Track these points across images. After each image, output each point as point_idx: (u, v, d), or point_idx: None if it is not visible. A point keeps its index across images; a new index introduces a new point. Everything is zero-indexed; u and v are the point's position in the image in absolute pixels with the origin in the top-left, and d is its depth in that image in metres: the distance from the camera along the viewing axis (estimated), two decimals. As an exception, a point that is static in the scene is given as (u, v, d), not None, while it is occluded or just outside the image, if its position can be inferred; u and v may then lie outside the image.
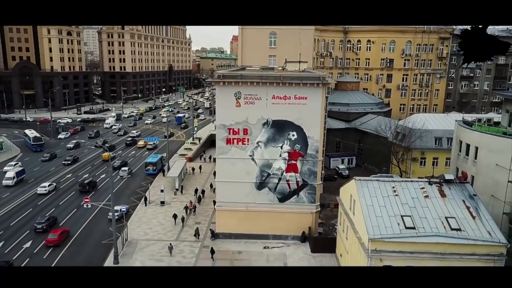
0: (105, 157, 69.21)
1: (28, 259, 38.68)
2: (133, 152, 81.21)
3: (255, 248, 40.97)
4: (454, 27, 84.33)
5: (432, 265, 27.66)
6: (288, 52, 55.42)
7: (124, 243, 41.17)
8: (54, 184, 58.60)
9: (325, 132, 51.48)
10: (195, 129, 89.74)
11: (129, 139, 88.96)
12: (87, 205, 42.66)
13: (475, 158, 37.31)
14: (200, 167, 68.04)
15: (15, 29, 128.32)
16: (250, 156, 41.32)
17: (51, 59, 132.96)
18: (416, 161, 56.69)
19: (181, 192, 57.18)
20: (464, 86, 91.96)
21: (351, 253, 33.34)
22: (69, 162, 69.98)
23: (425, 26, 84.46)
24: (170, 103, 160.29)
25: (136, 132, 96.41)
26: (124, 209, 46.90)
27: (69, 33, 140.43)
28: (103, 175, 64.20)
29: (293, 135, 40.68)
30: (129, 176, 64.20)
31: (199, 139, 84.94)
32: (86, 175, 63.92)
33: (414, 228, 28.26)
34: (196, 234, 42.72)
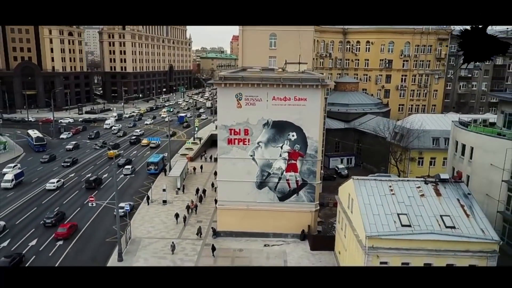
0: (111, 155, 72.42)
1: (34, 256, 39.69)
2: (135, 152, 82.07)
3: (256, 246, 41.90)
4: (453, 28, 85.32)
5: (427, 261, 28.69)
6: (288, 53, 56.37)
7: (128, 241, 42.09)
8: (62, 180, 61.23)
9: (324, 133, 52.39)
10: (196, 129, 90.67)
11: (133, 137, 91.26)
12: (92, 204, 43.61)
13: (471, 158, 38.20)
14: (201, 167, 69.00)
15: (17, 29, 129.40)
16: (251, 156, 42.24)
17: (52, 59, 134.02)
18: (414, 161, 57.59)
19: (183, 191, 58.13)
20: (462, 87, 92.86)
21: (349, 251, 34.27)
22: (68, 164, 69.76)
23: (424, 27, 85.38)
24: (170, 103, 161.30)
25: (140, 131, 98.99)
26: (128, 208, 47.82)
27: (70, 34, 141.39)
28: (106, 175, 65.17)
29: (293, 136, 41.60)
30: (133, 175, 65.30)
31: (200, 139, 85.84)
32: (89, 175, 64.77)
33: (410, 226, 29.20)
34: (199, 232, 43.64)
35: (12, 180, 58.33)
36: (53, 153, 76.19)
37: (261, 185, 42.77)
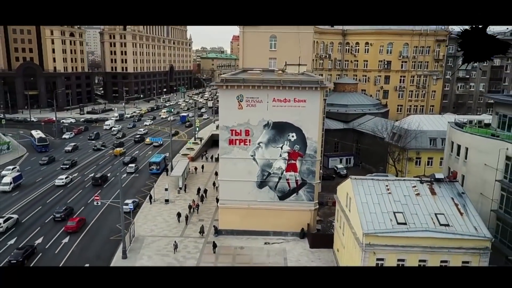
0: (116, 153, 77.58)
1: (41, 254, 40.75)
2: (137, 152, 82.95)
3: (256, 244, 42.95)
4: (451, 29, 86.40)
5: (422, 258, 29.75)
6: (288, 54, 57.23)
7: (131, 239, 43.12)
8: (70, 177, 63.52)
9: (324, 133, 53.39)
10: (197, 129, 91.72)
11: (138, 136, 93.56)
12: (97, 203, 44.71)
13: (466, 158, 39.26)
14: (202, 167, 70.06)
15: (19, 30, 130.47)
16: (252, 156, 43.29)
17: (54, 59, 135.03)
18: (412, 161, 58.60)
19: (185, 190, 59.16)
20: (460, 88, 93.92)
21: (347, 248, 35.32)
22: (68, 166, 69.23)
23: (422, 29, 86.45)
24: (171, 103, 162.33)
25: (144, 130, 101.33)
26: (132, 207, 48.89)
27: (71, 34, 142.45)
28: (109, 174, 66.22)
29: (293, 136, 42.65)
30: (137, 174, 66.57)
31: (201, 139, 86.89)
32: (93, 173, 65.84)
33: (405, 223, 30.25)
34: (201, 231, 44.67)
35: (11, 183, 58.14)
36: (52, 155, 75.78)
37: (261, 184, 43.82)
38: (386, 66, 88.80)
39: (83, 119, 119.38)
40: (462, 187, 35.39)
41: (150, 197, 54.84)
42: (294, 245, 42.87)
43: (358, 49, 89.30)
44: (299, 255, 41.09)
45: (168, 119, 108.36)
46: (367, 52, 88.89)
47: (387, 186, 33.58)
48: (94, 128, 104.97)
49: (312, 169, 43.48)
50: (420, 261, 29.91)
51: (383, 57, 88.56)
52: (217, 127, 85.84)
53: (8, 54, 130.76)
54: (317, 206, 45.86)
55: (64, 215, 48.29)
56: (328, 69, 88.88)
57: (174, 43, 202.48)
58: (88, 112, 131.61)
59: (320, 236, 44.10)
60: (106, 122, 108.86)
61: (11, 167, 66.95)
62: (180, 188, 59.18)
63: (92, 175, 64.39)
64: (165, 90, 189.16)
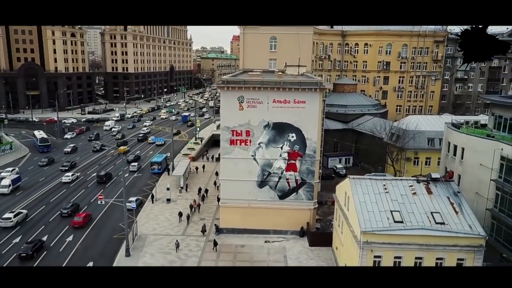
0: (121, 151, 79.99)
1: (46, 252, 41.60)
2: (139, 151, 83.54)
3: (257, 242, 43.78)
4: (449, 30, 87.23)
5: (418, 255, 30.59)
6: (288, 55, 58.02)
7: (134, 237, 43.95)
8: (77, 174, 65.57)
9: (323, 133, 54.19)
10: (198, 129, 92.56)
11: (141, 135, 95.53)
12: (101, 202, 45.58)
13: (462, 158, 40.08)
14: (203, 167, 70.90)
15: (20, 30, 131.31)
16: (252, 156, 44.12)
17: (55, 60, 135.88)
18: (410, 160, 59.44)
19: (186, 190, 59.98)
20: (459, 88, 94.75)
21: (345, 246, 36.16)
22: (67, 167, 68.69)
23: (421, 30, 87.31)
24: (171, 103, 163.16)
25: (147, 129, 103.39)
26: (134, 206, 49.63)
27: (72, 35, 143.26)
28: (112, 173, 67.20)
29: (293, 137, 43.49)
30: (139, 174, 67.54)
31: (201, 139, 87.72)
32: (94, 174, 66.70)
33: (402, 222, 31.08)
34: (203, 230, 45.49)
35: (9, 185, 57.72)
36: (52, 156, 75.50)
37: (262, 184, 44.66)
38: (385, 66, 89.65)
39: (84, 119, 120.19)
40: (458, 187, 36.22)
41: (152, 197, 55.67)
42: (294, 243, 43.70)
43: (358, 50, 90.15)
44: (298, 253, 41.91)
45: (170, 118, 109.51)
46: (366, 53, 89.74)
47: (384, 185, 34.40)
48: (95, 128, 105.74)
49: (312, 169, 44.31)
50: (416, 258, 30.78)
51: (382, 58, 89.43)
52: (218, 127, 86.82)
53: (9, 55, 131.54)
54: (317, 205, 46.69)
55: (71, 211, 50.20)
56: (328, 70, 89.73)
57: (174, 43, 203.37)
58: (89, 112, 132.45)
59: (319, 234, 44.93)
60: (106, 123, 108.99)
61: (10, 168, 66.71)
62: (182, 188, 60.01)
63: (96, 173, 66.05)
64: (165, 90, 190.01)
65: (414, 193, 33.63)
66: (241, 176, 44.22)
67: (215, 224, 46.85)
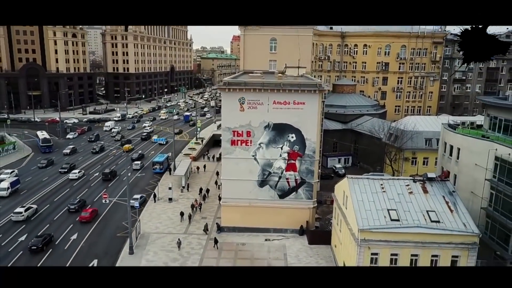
0: (126, 149, 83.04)
1: (51, 250, 42.57)
2: (141, 150, 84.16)
3: (257, 240, 44.74)
4: (447, 32, 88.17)
5: (413, 252, 31.54)
6: (287, 56, 58.93)
7: (137, 235, 44.90)
8: (83, 171, 68.30)
9: (323, 133, 55.14)
10: (198, 129, 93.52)
11: (144, 134, 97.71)
12: (105, 200, 46.55)
13: (458, 158, 41.01)
14: (204, 166, 71.85)
15: (22, 31, 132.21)
16: (253, 156, 45.09)
17: (56, 60, 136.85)
18: (408, 160, 60.38)
19: (187, 189, 60.94)
20: (457, 89, 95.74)
21: (344, 244, 37.12)
22: (66, 170, 68.22)
23: (419, 31, 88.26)
24: (172, 104, 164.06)
25: (150, 128, 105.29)
26: (138, 205, 50.62)
27: (74, 35, 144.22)
28: (116, 171, 68.67)
29: (292, 137, 44.45)
30: (143, 174, 68.61)
31: (202, 139, 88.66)
32: (96, 175, 67.71)
33: (398, 220, 32.05)
34: (205, 229, 46.43)
35: (8, 188, 57.05)
36: (51, 158, 75.02)
37: (262, 183, 45.63)
38: (384, 67, 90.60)
39: (86, 119, 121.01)
40: (454, 186, 37.19)
41: (155, 196, 56.62)
42: (293, 242, 44.64)
43: (357, 51, 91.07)
44: (298, 251, 42.85)
45: (173, 118, 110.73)
46: (366, 54, 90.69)
47: (381, 185, 35.36)
48: (96, 129, 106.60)
49: (311, 168, 45.26)
50: (412, 255, 31.73)
51: (381, 59, 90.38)
52: (218, 127, 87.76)
53: (11, 55, 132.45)
54: (316, 204, 47.64)
55: (78, 207, 52.10)
56: (327, 71, 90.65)
57: (174, 43, 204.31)
58: (90, 112, 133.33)
59: (319, 233, 45.89)
60: (106, 124, 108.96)
61: (9, 170, 66.37)
62: (183, 187, 60.96)
63: (101, 171, 68.04)
64: (166, 90, 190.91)
65: (411, 192, 34.59)
66: (242, 175, 45.18)
67: (216, 223, 47.82)
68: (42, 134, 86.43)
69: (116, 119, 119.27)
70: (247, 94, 43.75)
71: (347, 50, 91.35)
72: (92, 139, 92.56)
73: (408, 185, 35.37)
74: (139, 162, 72.23)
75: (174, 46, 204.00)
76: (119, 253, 41.81)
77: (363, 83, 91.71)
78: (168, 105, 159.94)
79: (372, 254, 31.82)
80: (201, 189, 59.69)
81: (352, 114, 77.31)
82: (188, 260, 40.58)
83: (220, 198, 50.26)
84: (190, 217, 50.08)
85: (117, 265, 39.32)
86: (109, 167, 70.91)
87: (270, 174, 45.45)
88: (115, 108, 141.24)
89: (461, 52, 3.90)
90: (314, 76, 72.93)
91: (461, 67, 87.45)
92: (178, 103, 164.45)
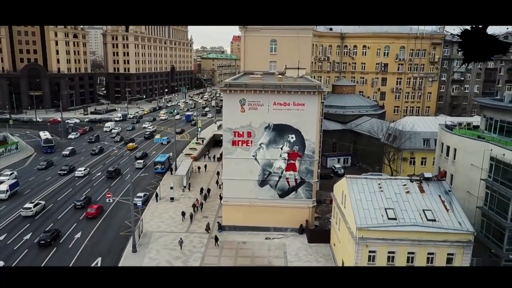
0: (129, 147, 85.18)
1: (56, 248, 43.40)
2: (143, 150, 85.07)
3: (258, 239, 45.57)
4: (446, 33, 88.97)
5: (410, 250, 32.39)
6: (287, 57, 59.69)
7: (140, 234, 45.73)
8: (88, 169, 70.09)
9: (322, 134, 55.95)
10: (199, 129, 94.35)
11: (147, 133, 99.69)
12: (108, 200, 47.39)
13: (454, 158, 41.83)
14: (205, 166, 72.68)
15: (23, 31, 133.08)
16: (253, 156, 45.94)
17: (58, 61, 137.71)
18: (406, 160, 61.21)
19: (189, 189, 61.79)
20: (455, 89, 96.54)
21: (342, 242, 37.96)
22: (65, 172, 67.89)
23: (418, 32, 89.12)
24: (172, 104, 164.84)
25: (152, 128, 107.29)
26: (140, 204, 51.35)
27: (75, 36, 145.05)
28: (120, 169, 69.78)
29: (292, 138, 45.30)
30: (146, 173, 69.46)
31: (203, 139, 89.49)
32: (99, 174, 68.56)
33: (395, 219, 32.90)
34: (207, 228, 47.26)
35: (7, 190, 56.36)
36: (51, 160, 74.68)
37: (262, 183, 46.48)
38: (383, 68, 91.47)
39: (87, 119, 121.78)
40: (450, 186, 38.03)
41: (156, 195, 57.45)
42: (293, 240, 45.48)
43: (356, 52, 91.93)
44: (298, 249, 43.68)
45: (175, 117, 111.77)
46: (365, 54, 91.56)
47: (379, 184, 36.20)
48: (98, 129, 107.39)
49: (311, 168, 46.10)
50: (408, 253, 32.59)
51: (380, 60, 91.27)
52: (219, 127, 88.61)
53: (13, 55, 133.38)
54: (315, 204, 48.49)
55: (84, 203, 53.66)
56: (327, 72, 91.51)
57: (175, 43, 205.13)
58: (91, 113, 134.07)
59: (318, 231, 46.72)
60: (106, 124, 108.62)
61: (8, 172, 66.08)
62: (185, 187, 61.80)
63: (106, 169, 69.57)
64: (166, 90, 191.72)
65: (408, 192, 35.43)
66: (243, 175, 46.01)
67: (217, 222, 48.66)
68: (44, 135, 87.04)
69: (117, 119, 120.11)
70: (248, 96, 44.59)
71: (347, 51, 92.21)
72: (92, 140, 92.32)
73: (405, 185, 36.20)
74: (141, 160, 73.46)
75: (175, 46, 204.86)
76: (122, 251, 42.64)
77: (363, 83, 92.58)
78: (169, 105, 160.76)
79: (370, 252, 32.66)
80: (202, 189, 60.50)
81: (351, 115, 78.14)
82: (190, 258, 41.42)
83: (221, 198, 51.11)
84: (191, 216, 50.91)
85: (120, 263, 40.21)
86: (112, 166, 71.96)
87: (270, 174, 46.29)
88: (116, 108, 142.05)
89: (461, 52, 3.93)
90: (314, 77, 73.82)
91: (461, 67, 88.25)
92: (178, 104, 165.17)
